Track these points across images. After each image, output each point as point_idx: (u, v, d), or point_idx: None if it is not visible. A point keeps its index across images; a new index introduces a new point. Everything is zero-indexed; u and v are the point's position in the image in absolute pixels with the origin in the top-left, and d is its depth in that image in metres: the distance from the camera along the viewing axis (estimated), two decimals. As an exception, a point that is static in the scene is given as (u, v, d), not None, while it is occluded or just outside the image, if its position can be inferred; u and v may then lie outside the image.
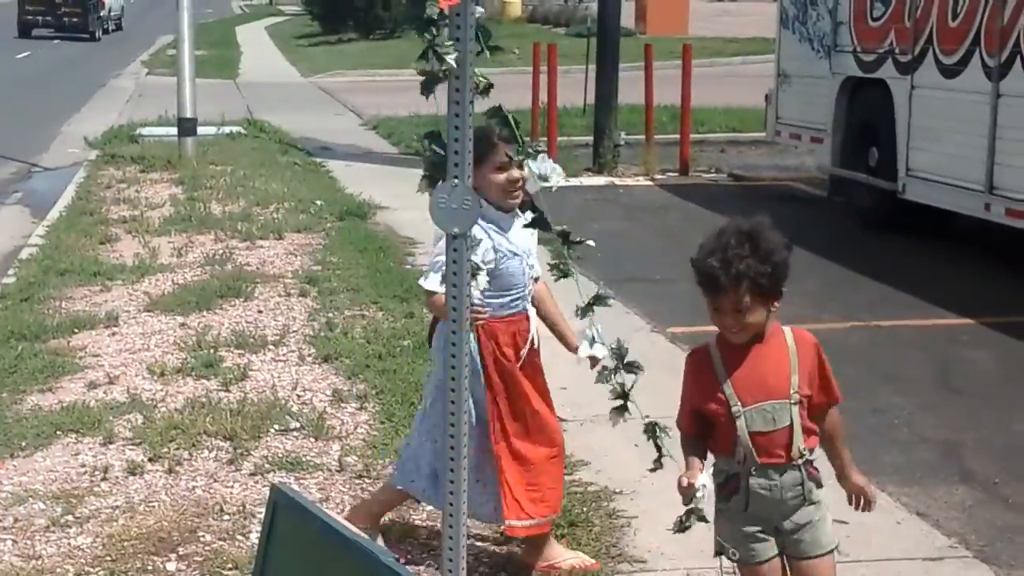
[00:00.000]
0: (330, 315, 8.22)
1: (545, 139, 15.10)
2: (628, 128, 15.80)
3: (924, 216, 10.76)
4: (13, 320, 8.05)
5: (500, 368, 4.58)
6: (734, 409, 3.54)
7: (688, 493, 3.50)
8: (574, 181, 14.36)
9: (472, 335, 4.37)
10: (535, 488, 4.62)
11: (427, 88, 3.12)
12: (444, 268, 3.30)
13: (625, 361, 3.48)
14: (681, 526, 3.61)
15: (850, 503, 3.81)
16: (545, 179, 3.45)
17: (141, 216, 11.61)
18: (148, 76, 29.95)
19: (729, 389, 3.55)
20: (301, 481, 5.64)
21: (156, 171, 14.37)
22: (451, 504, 3.50)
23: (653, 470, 3.64)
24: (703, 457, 3.62)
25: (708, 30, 35.33)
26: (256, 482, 5.58)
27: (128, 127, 18.12)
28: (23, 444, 6.01)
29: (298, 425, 6.23)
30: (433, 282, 4.40)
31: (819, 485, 3.66)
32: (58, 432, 6.15)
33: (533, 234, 4.46)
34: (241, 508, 5.29)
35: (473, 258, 3.31)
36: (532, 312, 4.68)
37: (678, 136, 15.36)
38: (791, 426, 3.57)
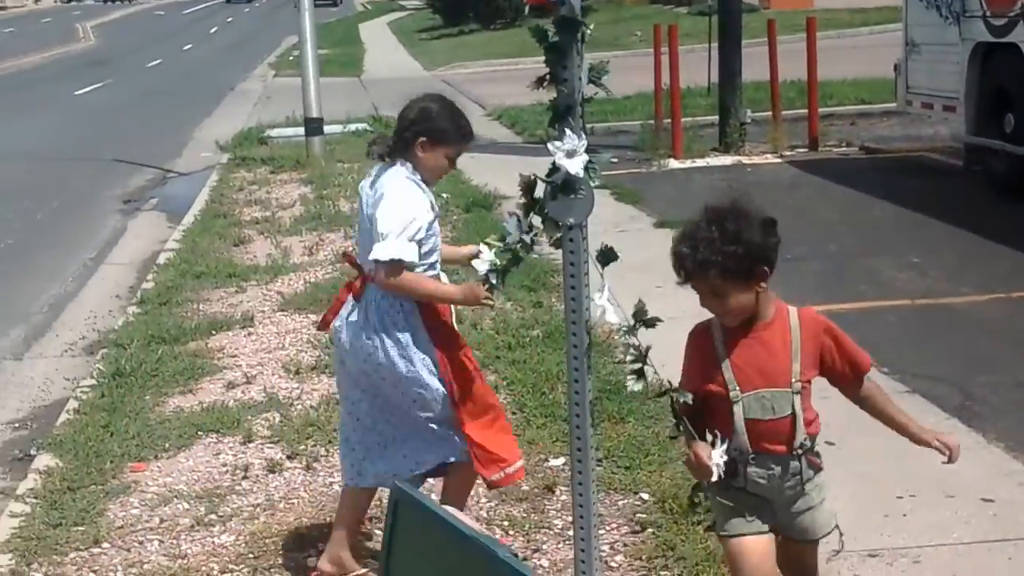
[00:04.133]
0: (459, 307, 8.24)
1: (669, 120, 14.98)
2: (754, 105, 15.58)
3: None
4: (153, 324, 8.26)
5: (440, 329, 4.49)
6: (732, 394, 3.38)
7: (701, 471, 3.32)
8: (700, 162, 14.24)
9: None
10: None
11: (539, 83, 3.19)
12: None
13: (642, 319, 3.35)
14: (692, 503, 3.55)
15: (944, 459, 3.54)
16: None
17: (272, 217, 11.81)
18: (275, 78, 30.47)
19: (728, 373, 3.39)
20: (436, 474, 5.67)
21: (285, 171, 14.62)
22: (580, 495, 3.49)
23: (673, 438, 3.58)
24: (703, 436, 3.39)
25: (834, 2, 34.65)
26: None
27: (257, 129, 18.45)
28: (167, 445, 6.16)
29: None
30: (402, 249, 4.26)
31: (818, 470, 3.52)
32: (199, 433, 6.29)
33: None
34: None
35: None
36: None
37: (806, 111, 15.10)
38: (792, 416, 3.41)
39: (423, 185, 4.38)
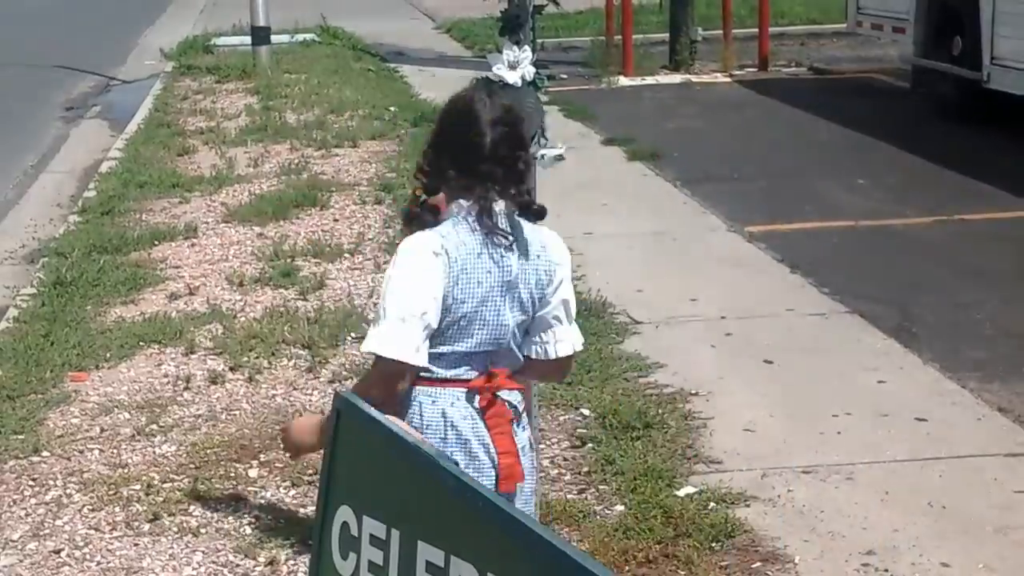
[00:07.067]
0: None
1: (620, 37, 14.90)
2: (705, 23, 15.52)
3: (1009, 106, 10.48)
4: (95, 233, 8.16)
5: None
6: None
7: None
8: (650, 80, 14.19)
9: None
10: None
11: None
12: None
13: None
14: None
15: None
16: None
17: (217, 127, 11.67)
18: (222, -15, 29.97)
19: None
20: (379, 387, 5.68)
21: (231, 81, 14.39)
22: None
23: None
24: None
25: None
26: (334, 389, 5.64)
27: (203, 37, 18.13)
28: (108, 356, 6.11)
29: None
30: None
31: None
32: (141, 343, 6.25)
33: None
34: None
35: None
36: None
37: (756, 30, 15.07)
38: None
39: None
